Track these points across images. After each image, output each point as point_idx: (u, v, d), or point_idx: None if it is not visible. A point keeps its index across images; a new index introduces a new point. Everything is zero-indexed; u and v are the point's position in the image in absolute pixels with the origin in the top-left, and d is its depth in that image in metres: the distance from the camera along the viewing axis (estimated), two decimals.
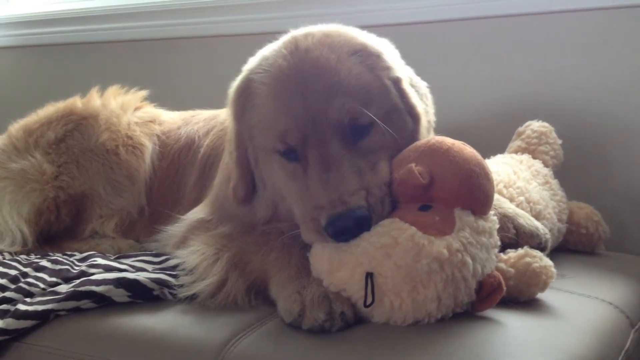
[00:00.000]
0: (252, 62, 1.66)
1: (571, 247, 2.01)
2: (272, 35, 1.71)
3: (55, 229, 2.19)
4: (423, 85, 1.74)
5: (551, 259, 1.56)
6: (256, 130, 1.61)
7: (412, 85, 1.67)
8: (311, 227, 1.48)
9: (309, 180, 1.50)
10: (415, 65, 1.77)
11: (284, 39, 1.65)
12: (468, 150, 1.49)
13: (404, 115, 1.59)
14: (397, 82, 1.59)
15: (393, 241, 1.39)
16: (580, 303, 1.61)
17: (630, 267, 1.94)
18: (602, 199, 2.18)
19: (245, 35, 2.63)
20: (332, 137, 1.51)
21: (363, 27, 1.71)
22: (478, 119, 2.41)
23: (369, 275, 1.40)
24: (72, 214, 2.19)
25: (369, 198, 1.46)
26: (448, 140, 1.51)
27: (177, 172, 2.20)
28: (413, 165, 1.46)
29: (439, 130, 1.79)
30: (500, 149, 2.10)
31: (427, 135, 1.65)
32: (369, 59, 1.57)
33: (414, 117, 1.60)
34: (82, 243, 2.15)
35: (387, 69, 1.59)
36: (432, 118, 1.74)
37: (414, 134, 1.60)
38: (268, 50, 1.65)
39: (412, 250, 1.38)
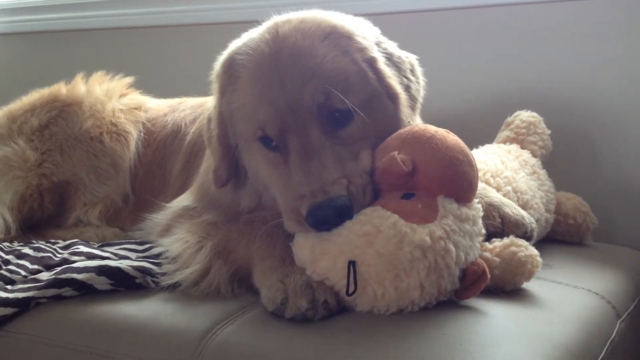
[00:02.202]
0: (237, 43, 1.65)
1: (559, 237, 2.01)
2: (258, 24, 1.69)
3: (39, 217, 2.17)
4: (409, 59, 1.69)
5: (538, 249, 1.55)
6: (236, 116, 1.60)
7: (394, 62, 1.63)
8: (292, 217, 1.47)
9: (291, 169, 1.49)
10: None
11: (267, 23, 1.64)
12: (451, 137, 1.48)
13: (384, 99, 1.56)
14: (372, 62, 1.57)
15: (375, 229, 1.38)
16: (567, 293, 1.61)
17: (617, 258, 1.94)
18: (591, 189, 2.17)
19: (233, 24, 2.60)
20: (311, 124, 1.49)
21: (355, 16, 1.69)
22: (467, 109, 2.40)
23: (352, 264, 1.38)
24: (56, 201, 2.18)
25: (350, 187, 1.45)
26: (431, 128, 1.49)
27: (163, 159, 2.19)
28: (396, 153, 1.44)
29: (428, 120, 1.77)
30: (489, 139, 2.10)
31: (412, 113, 1.63)
32: (341, 41, 1.55)
33: (392, 97, 1.57)
34: (66, 231, 2.14)
35: (361, 50, 1.56)
36: (421, 93, 1.69)
37: (395, 116, 1.57)
38: (253, 33, 1.64)
39: (395, 238, 1.36)
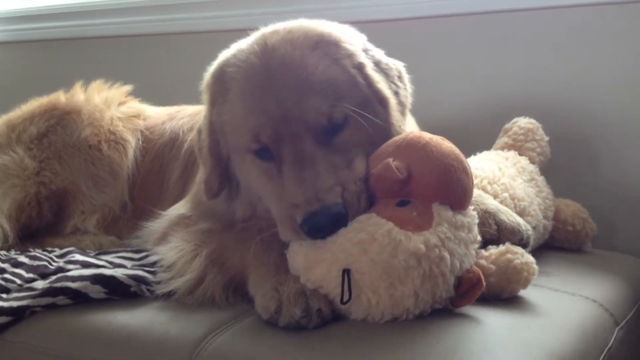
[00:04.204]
0: (226, 54, 1.65)
1: (558, 244, 1.99)
2: (254, 32, 1.69)
3: (37, 225, 2.17)
4: (397, 66, 1.70)
5: (537, 256, 1.54)
6: (228, 128, 1.60)
7: (382, 68, 1.63)
8: (287, 225, 1.47)
9: (284, 178, 1.49)
10: (402, 62, 1.74)
11: (255, 35, 1.64)
12: (446, 144, 1.47)
13: (375, 105, 1.56)
14: (361, 68, 1.57)
15: (370, 237, 1.37)
16: (564, 301, 1.59)
17: (617, 265, 1.92)
18: (590, 196, 2.15)
19: (233, 31, 2.62)
20: (305, 135, 1.49)
21: (349, 24, 1.70)
22: (465, 116, 2.39)
23: (346, 272, 1.38)
24: (54, 209, 2.18)
25: (345, 194, 1.44)
26: (426, 135, 1.49)
27: (161, 167, 2.19)
28: (390, 160, 1.44)
29: (426, 126, 1.77)
30: (487, 146, 2.08)
31: (402, 118, 1.62)
32: (329, 49, 1.55)
33: (382, 101, 1.57)
34: (63, 239, 2.13)
35: (349, 56, 1.57)
36: (409, 100, 1.69)
37: (386, 121, 1.57)
38: (242, 44, 1.64)
39: (389, 246, 1.36)
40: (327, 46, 1.55)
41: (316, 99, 1.49)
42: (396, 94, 1.62)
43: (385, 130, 1.56)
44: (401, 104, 1.63)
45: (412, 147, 1.46)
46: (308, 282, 1.43)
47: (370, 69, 1.58)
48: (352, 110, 1.50)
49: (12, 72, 3.47)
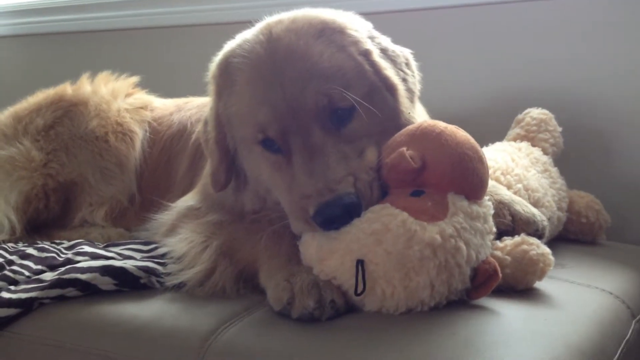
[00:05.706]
0: (231, 44, 1.63)
1: (572, 236, 1.97)
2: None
3: (44, 218, 2.16)
4: (404, 53, 1.68)
5: (551, 248, 1.52)
6: (235, 121, 1.58)
7: (388, 56, 1.62)
8: (300, 217, 1.44)
9: (294, 170, 1.46)
10: (413, 54, 1.72)
11: (259, 25, 1.62)
12: (461, 133, 1.45)
13: (383, 92, 1.55)
14: (367, 55, 1.55)
15: (384, 227, 1.35)
16: (580, 293, 1.57)
17: (632, 257, 1.90)
18: (604, 187, 2.14)
19: (240, 23, 2.60)
20: (313, 124, 1.47)
21: (360, 15, 1.68)
22: (477, 107, 2.37)
23: (360, 263, 1.36)
24: (61, 202, 2.16)
25: (357, 184, 1.42)
26: (440, 124, 1.47)
27: (169, 159, 2.17)
28: (404, 149, 1.42)
29: (437, 118, 1.74)
30: (500, 137, 2.06)
31: (411, 105, 1.61)
32: (334, 36, 1.53)
33: (390, 88, 1.56)
34: (71, 232, 2.12)
35: (355, 43, 1.55)
36: (417, 87, 1.67)
37: (395, 108, 1.55)
38: (247, 34, 1.62)
39: (404, 236, 1.33)
40: (331, 34, 1.54)
41: (321, 86, 1.47)
42: (404, 80, 1.61)
43: (395, 117, 1.54)
44: (410, 91, 1.61)
45: (427, 136, 1.44)
46: (321, 273, 1.41)
47: (377, 56, 1.56)
48: (358, 98, 1.48)
49: (18, 66, 3.46)
